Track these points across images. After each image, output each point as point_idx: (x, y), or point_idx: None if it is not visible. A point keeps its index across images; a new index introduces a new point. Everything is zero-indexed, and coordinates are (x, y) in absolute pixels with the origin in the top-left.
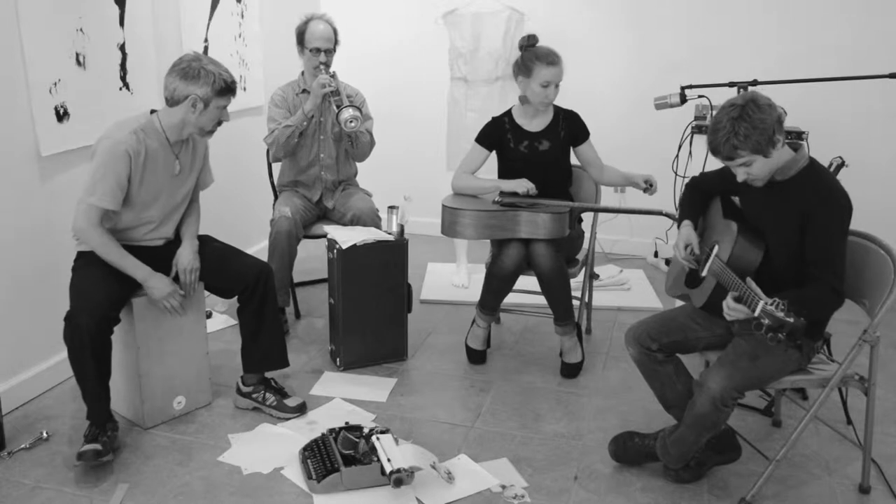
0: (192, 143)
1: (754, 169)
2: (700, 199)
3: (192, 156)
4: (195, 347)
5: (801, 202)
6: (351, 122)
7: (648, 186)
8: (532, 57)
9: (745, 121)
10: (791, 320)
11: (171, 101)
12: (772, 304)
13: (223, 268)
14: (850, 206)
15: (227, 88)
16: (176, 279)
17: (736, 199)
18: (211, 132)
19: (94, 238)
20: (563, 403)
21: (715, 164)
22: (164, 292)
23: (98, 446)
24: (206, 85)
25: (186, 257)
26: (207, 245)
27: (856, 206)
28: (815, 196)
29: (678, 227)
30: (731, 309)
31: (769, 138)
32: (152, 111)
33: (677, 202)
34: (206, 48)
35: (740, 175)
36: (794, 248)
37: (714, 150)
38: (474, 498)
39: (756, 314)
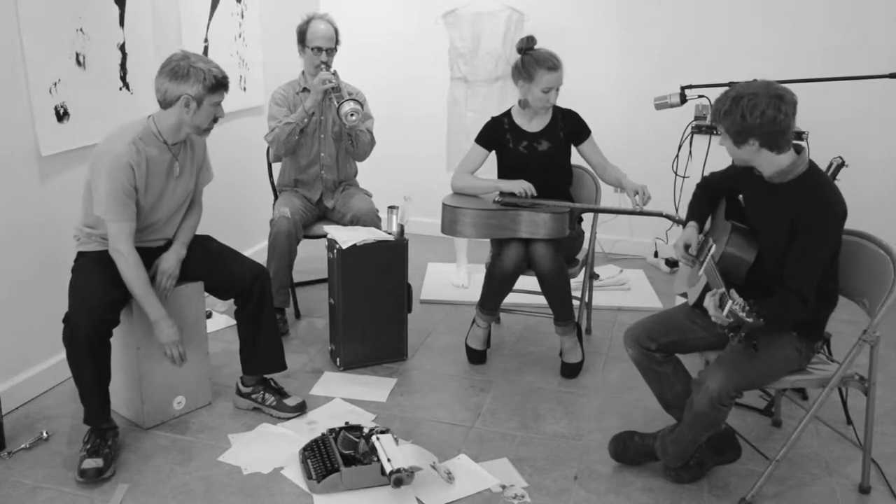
0: (189, 143)
1: (724, 143)
2: (708, 200)
3: (191, 155)
4: (195, 348)
5: (794, 209)
6: (352, 115)
7: (634, 195)
8: (532, 62)
9: (738, 103)
10: (750, 321)
11: (164, 104)
12: (736, 305)
13: (221, 269)
14: (844, 215)
15: (219, 84)
16: (153, 279)
17: (742, 199)
18: (208, 130)
19: (128, 261)
20: (563, 403)
21: (715, 163)
22: (171, 339)
23: (100, 462)
24: (198, 83)
25: (169, 262)
26: (206, 245)
27: (856, 206)
28: (808, 206)
29: (684, 228)
30: (706, 305)
31: (739, 133)
32: (149, 116)
33: (681, 202)
34: (206, 48)
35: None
36: (783, 251)
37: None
38: (474, 498)
39: (724, 313)
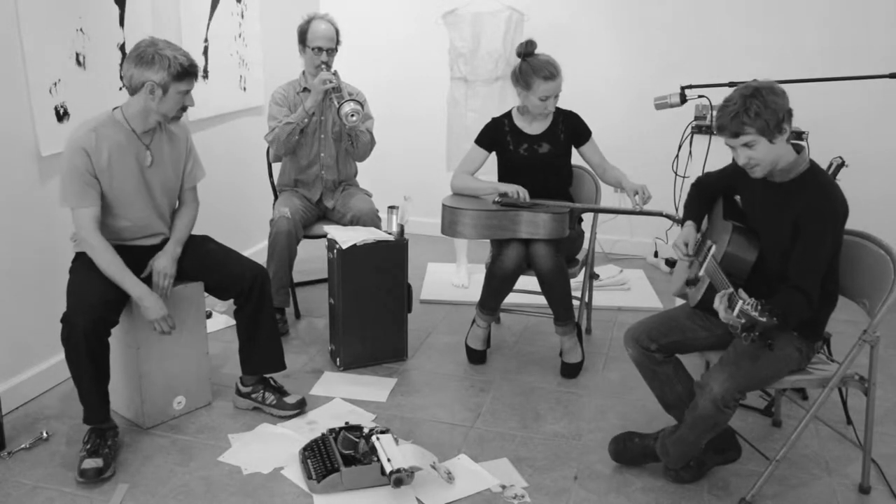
0: (167, 134)
1: (757, 152)
2: (704, 199)
3: (169, 147)
4: (195, 347)
5: (796, 208)
6: (352, 115)
7: (634, 195)
8: (529, 71)
9: (757, 99)
10: (763, 320)
11: (131, 90)
12: (748, 304)
13: (219, 269)
14: (846, 213)
15: (186, 72)
16: (148, 279)
17: (739, 200)
18: (177, 118)
19: (95, 246)
20: (563, 403)
21: (715, 163)
22: (158, 314)
23: (99, 462)
24: (163, 70)
25: (162, 261)
26: (204, 245)
27: (856, 206)
28: (810, 205)
29: (681, 227)
30: (716, 307)
31: (777, 122)
32: (115, 108)
33: (681, 202)
34: (206, 48)
35: (742, 157)
36: (785, 251)
37: (720, 126)
38: (474, 498)
39: (735, 314)
